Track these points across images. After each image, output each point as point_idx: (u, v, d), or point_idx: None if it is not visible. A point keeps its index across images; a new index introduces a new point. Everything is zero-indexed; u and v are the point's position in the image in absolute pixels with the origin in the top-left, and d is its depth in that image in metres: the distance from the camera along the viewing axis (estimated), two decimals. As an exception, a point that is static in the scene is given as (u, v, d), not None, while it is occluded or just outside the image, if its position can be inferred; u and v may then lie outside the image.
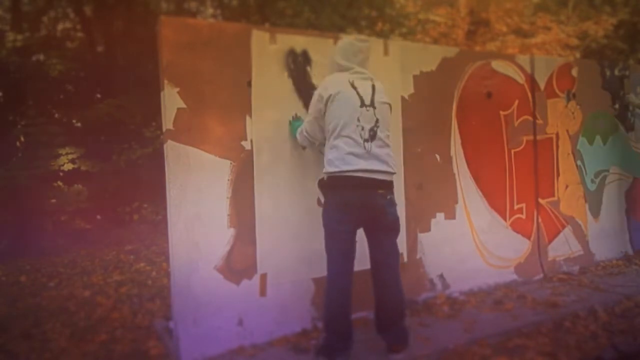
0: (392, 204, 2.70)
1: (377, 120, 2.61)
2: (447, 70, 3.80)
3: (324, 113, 2.65)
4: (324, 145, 2.75)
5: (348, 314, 2.63)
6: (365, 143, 2.57)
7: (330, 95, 2.60)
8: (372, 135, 2.58)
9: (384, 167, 2.62)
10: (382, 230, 2.70)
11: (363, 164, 2.56)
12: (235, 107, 2.96)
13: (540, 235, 4.26)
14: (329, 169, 2.62)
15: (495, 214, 4.03)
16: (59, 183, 7.51)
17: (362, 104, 2.59)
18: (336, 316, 2.61)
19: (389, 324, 2.73)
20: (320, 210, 2.83)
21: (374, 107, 2.62)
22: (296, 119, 3.09)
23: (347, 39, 2.80)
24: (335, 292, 2.63)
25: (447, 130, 3.81)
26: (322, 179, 2.79)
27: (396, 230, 2.77)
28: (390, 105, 2.77)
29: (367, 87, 2.66)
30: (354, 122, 2.57)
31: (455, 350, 2.76)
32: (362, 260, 2.76)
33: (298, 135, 2.93)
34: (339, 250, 2.64)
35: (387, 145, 2.67)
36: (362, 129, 2.57)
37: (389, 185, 2.67)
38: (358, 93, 2.61)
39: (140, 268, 5.43)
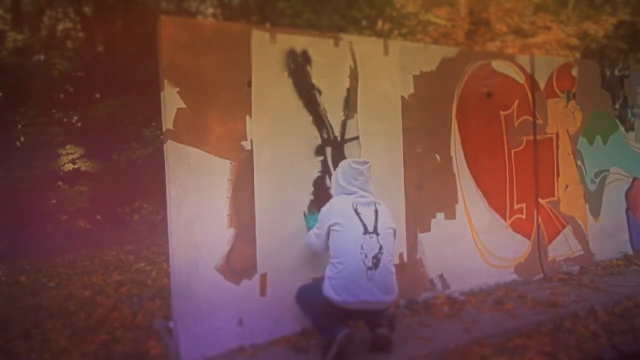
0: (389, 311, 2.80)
1: (380, 247, 2.61)
2: (447, 70, 3.80)
3: (328, 234, 2.70)
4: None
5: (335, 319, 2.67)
6: (369, 271, 2.57)
7: (335, 222, 2.65)
8: (376, 263, 2.59)
9: (385, 298, 2.63)
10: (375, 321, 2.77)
11: (364, 295, 2.56)
12: (235, 107, 2.96)
13: (540, 235, 4.26)
14: (331, 295, 2.58)
15: (495, 214, 4.03)
16: (60, 183, 7.51)
17: (366, 231, 2.62)
18: (324, 319, 2.68)
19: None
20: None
21: (377, 234, 2.63)
22: (312, 213, 3.10)
23: (347, 162, 2.84)
24: (318, 309, 2.70)
25: (447, 130, 3.80)
26: (324, 280, 2.71)
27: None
28: (394, 230, 2.78)
29: (371, 212, 2.69)
30: (357, 250, 2.58)
31: (455, 350, 2.76)
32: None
33: (307, 238, 2.95)
34: (322, 314, 2.69)
35: (391, 273, 2.68)
36: (366, 256, 2.58)
37: (388, 307, 2.74)
38: (361, 220, 2.64)
39: (140, 268, 5.43)
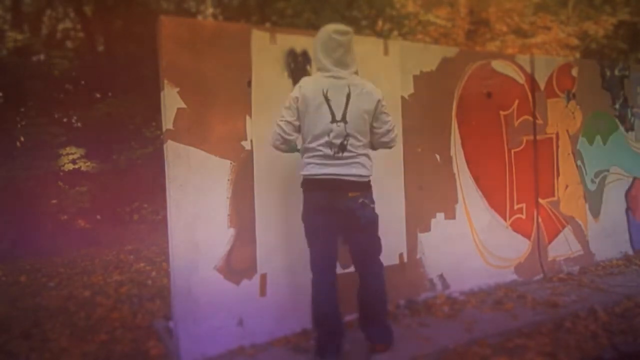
0: (365, 207, 2.65)
1: (346, 135, 2.58)
2: (447, 70, 3.80)
3: (297, 117, 2.63)
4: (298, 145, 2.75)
5: (335, 311, 2.65)
6: (336, 154, 2.58)
7: (305, 106, 2.58)
8: (342, 149, 2.58)
9: (351, 171, 2.60)
10: (356, 231, 2.69)
11: (330, 170, 2.59)
12: (235, 107, 2.96)
13: (540, 235, 4.26)
14: (303, 171, 2.66)
15: (495, 214, 4.03)
16: (60, 183, 7.51)
17: (333, 120, 2.58)
18: (322, 314, 2.64)
19: (370, 319, 2.76)
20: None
21: (345, 122, 2.59)
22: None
23: (326, 31, 2.62)
24: (319, 290, 2.67)
25: (447, 130, 3.80)
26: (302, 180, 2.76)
27: (371, 229, 2.73)
28: (368, 112, 2.64)
29: (342, 97, 2.59)
30: (323, 137, 2.57)
31: (455, 350, 2.76)
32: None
33: (273, 134, 2.72)
34: (317, 249, 2.69)
35: (362, 154, 2.63)
36: (332, 144, 2.57)
37: (361, 187, 2.64)
38: (330, 107, 2.57)
39: (140, 268, 5.43)
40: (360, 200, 2.63)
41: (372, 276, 2.75)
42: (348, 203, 2.61)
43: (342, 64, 2.62)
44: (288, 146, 2.70)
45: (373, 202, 2.71)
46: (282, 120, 2.63)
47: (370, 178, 2.70)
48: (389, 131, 2.73)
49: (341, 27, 2.64)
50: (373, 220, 2.72)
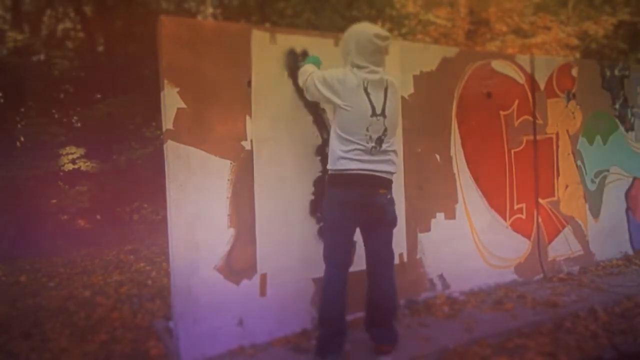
0: (392, 202, 2.73)
1: (385, 130, 2.62)
2: (447, 70, 3.80)
3: (328, 101, 2.66)
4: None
5: (342, 309, 2.65)
6: (373, 149, 2.60)
7: (345, 103, 2.57)
8: (379, 143, 2.61)
9: (385, 168, 2.65)
10: (383, 227, 2.74)
11: (366, 165, 2.60)
12: (235, 107, 2.96)
13: (540, 235, 4.26)
14: (332, 166, 2.65)
15: (495, 214, 4.03)
16: (60, 183, 7.51)
17: (373, 114, 2.59)
18: (330, 310, 2.64)
19: (377, 319, 2.75)
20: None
21: (385, 117, 2.62)
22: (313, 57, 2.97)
23: (365, 33, 2.59)
24: (331, 286, 2.67)
25: (447, 130, 3.80)
26: (329, 173, 2.74)
27: (394, 225, 2.80)
28: (399, 107, 2.76)
29: (380, 92, 2.62)
30: (362, 131, 2.58)
31: (455, 350, 2.76)
32: (361, 261, 2.79)
33: (305, 81, 2.74)
34: (340, 243, 2.69)
35: (392, 151, 2.69)
36: (370, 138, 2.58)
37: (389, 184, 2.70)
38: (370, 101, 2.59)
39: (140, 268, 5.43)
40: (389, 196, 2.69)
41: (385, 275, 2.76)
42: (379, 199, 2.64)
43: (377, 63, 2.65)
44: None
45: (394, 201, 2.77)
46: (317, 84, 2.64)
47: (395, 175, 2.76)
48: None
49: (382, 31, 2.65)
50: (396, 217, 2.79)
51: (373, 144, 2.59)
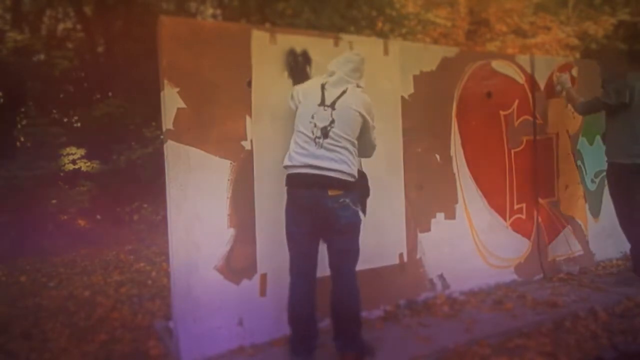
0: (347, 207, 2.55)
1: (332, 121, 2.56)
2: (447, 70, 3.80)
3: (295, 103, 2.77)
4: None
5: (310, 315, 2.61)
6: (317, 139, 2.56)
7: (299, 99, 2.72)
8: (325, 134, 2.55)
9: (334, 166, 2.53)
10: (335, 234, 2.59)
11: (310, 160, 2.54)
12: (235, 107, 2.96)
13: (540, 235, 4.26)
14: (284, 162, 2.68)
15: (495, 214, 4.03)
16: (60, 183, 7.51)
17: (322, 103, 2.61)
18: (297, 316, 2.61)
19: (340, 329, 2.65)
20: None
21: (333, 109, 2.59)
22: None
23: (344, 54, 2.83)
24: (293, 293, 2.64)
25: (447, 130, 3.81)
26: None
27: (350, 233, 2.61)
28: (361, 114, 2.62)
29: (337, 91, 2.64)
30: (308, 118, 2.60)
31: (455, 350, 2.76)
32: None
33: None
34: (296, 251, 2.64)
35: (345, 148, 2.57)
36: (315, 125, 2.57)
37: (342, 186, 2.54)
38: (323, 94, 2.62)
39: (140, 268, 5.43)
40: (343, 200, 2.53)
41: (344, 283, 2.63)
42: (327, 202, 2.51)
43: (349, 75, 2.71)
44: None
45: (357, 205, 2.63)
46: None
47: (353, 179, 2.62)
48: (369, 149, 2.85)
49: (354, 53, 2.85)
50: (354, 223, 2.60)
51: (318, 134, 2.55)
